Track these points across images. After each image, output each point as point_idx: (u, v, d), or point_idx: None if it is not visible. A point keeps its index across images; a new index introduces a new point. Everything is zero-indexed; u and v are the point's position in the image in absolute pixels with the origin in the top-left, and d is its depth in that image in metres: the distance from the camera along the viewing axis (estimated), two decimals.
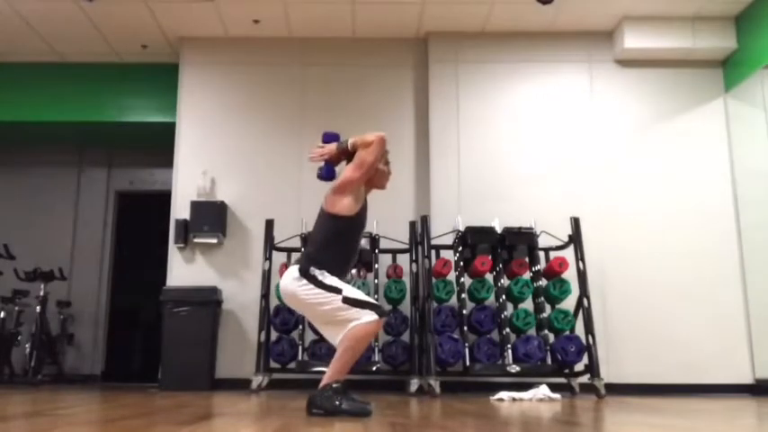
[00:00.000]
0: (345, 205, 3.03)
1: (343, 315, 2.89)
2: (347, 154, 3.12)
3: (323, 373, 3.00)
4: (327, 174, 3.17)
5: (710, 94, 6.01)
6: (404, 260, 5.42)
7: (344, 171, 3.09)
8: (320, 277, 2.96)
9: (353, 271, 5.26)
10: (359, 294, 2.96)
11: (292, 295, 3.02)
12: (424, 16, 5.91)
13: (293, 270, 3.02)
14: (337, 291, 2.92)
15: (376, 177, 3.16)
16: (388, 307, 5.28)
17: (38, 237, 7.39)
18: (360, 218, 3.10)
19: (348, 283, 3.08)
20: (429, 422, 2.74)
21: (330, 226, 3.06)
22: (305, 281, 2.96)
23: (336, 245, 3.06)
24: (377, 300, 5.17)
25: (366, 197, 3.15)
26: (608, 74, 6.10)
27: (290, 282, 3.01)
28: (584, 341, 4.88)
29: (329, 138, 3.21)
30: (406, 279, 5.33)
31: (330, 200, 3.07)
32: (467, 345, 4.88)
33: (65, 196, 7.61)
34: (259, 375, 4.98)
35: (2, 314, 6.33)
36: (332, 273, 3.00)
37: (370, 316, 2.87)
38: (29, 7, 5.76)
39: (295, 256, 5.35)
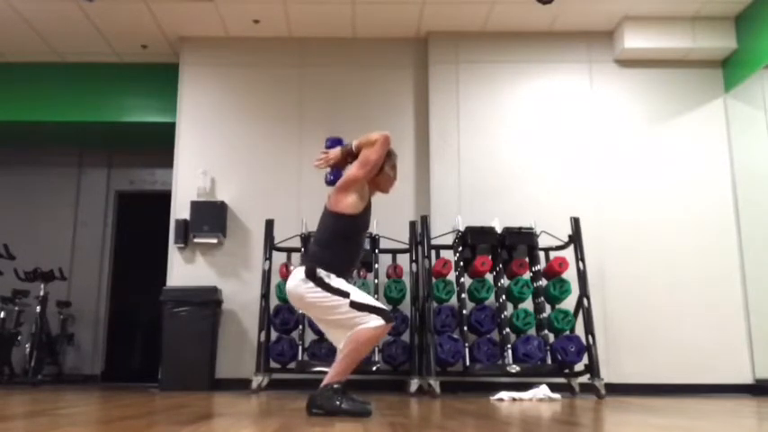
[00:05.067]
0: (350, 203, 3.02)
1: (350, 319, 2.88)
2: (352, 156, 3.10)
3: (323, 373, 3.00)
4: (335, 178, 3.16)
5: (710, 94, 6.01)
6: (404, 260, 5.42)
7: (349, 169, 3.07)
8: (327, 280, 2.94)
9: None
10: (367, 299, 2.95)
11: (299, 298, 3.01)
12: (424, 16, 5.91)
13: (299, 272, 3.00)
14: (345, 294, 2.90)
15: (381, 181, 3.13)
16: (387, 307, 5.27)
17: (38, 237, 7.40)
18: (364, 217, 3.09)
19: (352, 284, 3.07)
20: (429, 422, 2.74)
21: (335, 225, 3.05)
22: (312, 283, 2.94)
23: (341, 244, 3.04)
24: (377, 299, 5.17)
25: (370, 198, 3.14)
26: (608, 74, 6.10)
27: (297, 284, 2.99)
28: (584, 341, 4.88)
29: (333, 143, 3.21)
30: (406, 279, 5.33)
31: (334, 199, 3.06)
32: (467, 345, 4.88)
33: (65, 196, 7.62)
34: (259, 375, 4.98)
35: (2, 314, 6.33)
36: (337, 273, 2.98)
37: (377, 321, 2.86)
38: (29, 7, 5.76)
39: (295, 255, 5.35)
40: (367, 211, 3.10)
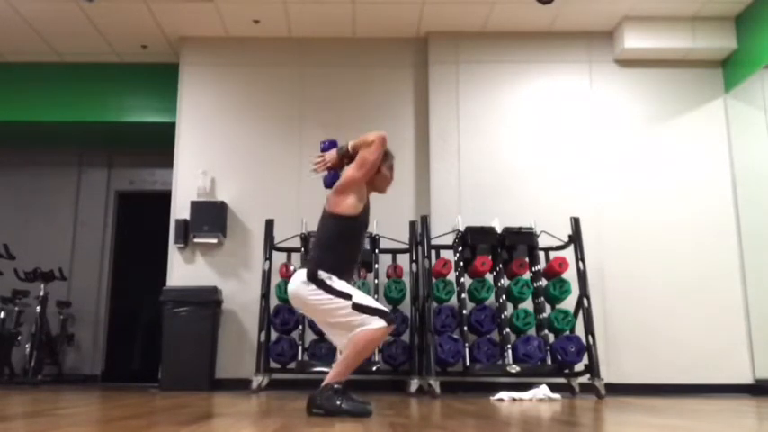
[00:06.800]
0: (349, 205, 3.02)
1: (351, 321, 2.88)
2: (349, 157, 3.10)
3: (323, 373, 3.01)
4: (333, 180, 3.15)
5: (710, 94, 6.01)
6: (404, 260, 5.42)
7: (346, 171, 3.07)
8: (329, 282, 2.94)
9: None
10: (368, 301, 2.95)
11: (301, 300, 3.01)
12: (424, 16, 5.91)
13: (301, 274, 3.00)
14: (347, 296, 2.91)
15: (377, 180, 3.13)
16: (388, 307, 5.27)
17: (38, 237, 7.39)
18: (363, 218, 3.09)
19: (353, 285, 3.07)
20: (429, 422, 2.74)
21: (334, 227, 3.05)
22: (314, 286, 2.94)
23: (341, 245, 3.04)
24: (377, 299, 5.17)
25: (368, 198, 3.14)
26: (608, 74, 6.10)
27: (299, 286, 2.99)
28: (584, 341, 4.88)
29: (329, 145, 3.20)
30: (406, 279, 5.33)
31: (333, 200, 3.06)
32: (467, 345, 4.88)
33: (65, 196, 7.61)
34: (259, 375, 4.98)
35: (2, 314, 6.33)
36: (339, 274, 2.98)
37: (378, 322, 2.86)
38: (29, 7, 5.76)
39: (295, 255, 5.36)
40: (366, 211, 3.10)
